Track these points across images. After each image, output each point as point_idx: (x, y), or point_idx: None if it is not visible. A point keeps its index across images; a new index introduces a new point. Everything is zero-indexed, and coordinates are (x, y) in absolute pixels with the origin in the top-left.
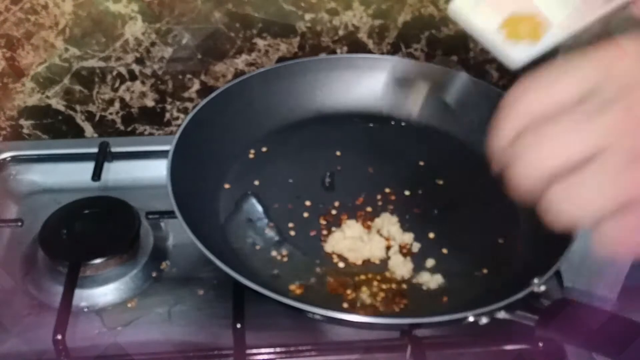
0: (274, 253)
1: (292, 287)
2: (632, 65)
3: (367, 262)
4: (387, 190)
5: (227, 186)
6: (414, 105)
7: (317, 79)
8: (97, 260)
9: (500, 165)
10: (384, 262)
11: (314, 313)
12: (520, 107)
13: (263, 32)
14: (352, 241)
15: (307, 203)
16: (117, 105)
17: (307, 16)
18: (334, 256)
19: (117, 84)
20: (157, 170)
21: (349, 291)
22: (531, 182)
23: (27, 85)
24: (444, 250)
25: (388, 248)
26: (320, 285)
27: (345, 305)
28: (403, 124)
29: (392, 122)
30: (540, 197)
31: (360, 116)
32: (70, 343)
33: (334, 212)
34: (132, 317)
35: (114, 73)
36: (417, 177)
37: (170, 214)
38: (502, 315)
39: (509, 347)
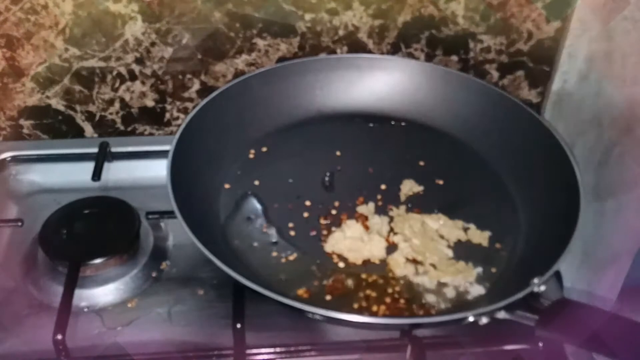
0: (274, 253)
1: (300, 291)
2: None
3: (367, 262)
4: (387, 190)
5: (227, 186)
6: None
7: (317, 79)
8: (97, 260)
9: None
10: (384, 262)
11: (313, 313)
12: None
13: (263, 32)
14: (352, 241)
15: (307, 203)
16: (117, 105)
17: (307, 16)
18: (334, 256)
19: (117, 84)
20: (157, 170)
21: (351, 293)
22: None
23: (27, 85)
24: (444, 250)
25: (388, 248)
26: (324, 288)
27: (348, 306)
28: (403, 124)
29: (392, 122)
30: None
31: (360, 116)
32: (70, 343)
33: (334, 212)
34: (132, 317)
35: (114, 73)
36: (417, 177)
37: (170, 214)
38: (502, 315)
39: (509, 347)
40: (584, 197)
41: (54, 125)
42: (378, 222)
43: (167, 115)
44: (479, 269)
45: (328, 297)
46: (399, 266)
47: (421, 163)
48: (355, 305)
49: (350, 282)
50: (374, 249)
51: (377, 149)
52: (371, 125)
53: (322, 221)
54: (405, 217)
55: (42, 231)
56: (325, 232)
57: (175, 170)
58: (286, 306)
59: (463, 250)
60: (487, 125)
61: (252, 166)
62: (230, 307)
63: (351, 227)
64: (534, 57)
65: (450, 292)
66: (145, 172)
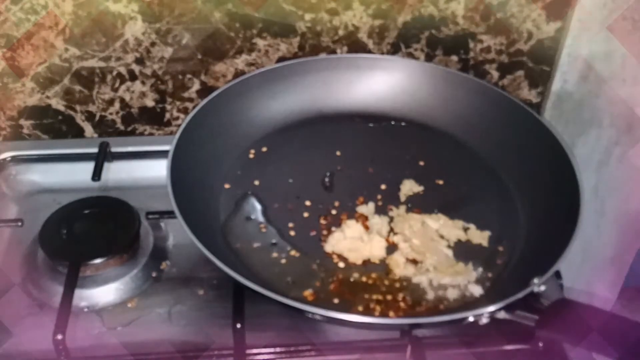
0: (274, 253)
1: (306, 293)
2: None
3: (367, 262)
4: (387, 190)
5: (227, 186)
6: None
7: (317, 79)
8: (97, 260)
9: None
10: (384, 262)
11: (313, 313)
12: None
13: (263, 32)
14: (352, 241)
15: (307, 203)
16: (117, 105)
17: (307, 16)
18: (334, 256)
19: (117, 84)
20: (157, 170)
21: (352, 294)
22: None
23: (27, 85)
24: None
25: (388, 248)
26: (325, 289)
27: (349, 307)
28: (403, 124)
29: (392, 122)
30: None
31: (360, 116)
32: (70, 343)
33: (334, 212)
34: (132, 317)
35: (114, 73)
36: (417, 177)
37: (170, 214)
38: (502, 315)
39: (509, 347)
40: (584, 197)
41: (54, 125)
42: (378, 222)
43: (167, 115)
44: (479, 269)
45: (328, 298)
46: (399, 266)
47: (421, 163)
48: (355, 306)
49: (350, 283)
50: (374, 249)
51: (377, 149)
52: (371, 125)
53: (322, 221)
54: (405, 217)
55: (42, 231)
56: (325, 232)
57: (175, 170)
58: (286, 306)
59: (463, 251)
60: (487, 125)
61: (252, 166)
62: (230, 307)
63: (351, 227)
64: (534, 57)
65: (450, 292)
66: (145, 172)
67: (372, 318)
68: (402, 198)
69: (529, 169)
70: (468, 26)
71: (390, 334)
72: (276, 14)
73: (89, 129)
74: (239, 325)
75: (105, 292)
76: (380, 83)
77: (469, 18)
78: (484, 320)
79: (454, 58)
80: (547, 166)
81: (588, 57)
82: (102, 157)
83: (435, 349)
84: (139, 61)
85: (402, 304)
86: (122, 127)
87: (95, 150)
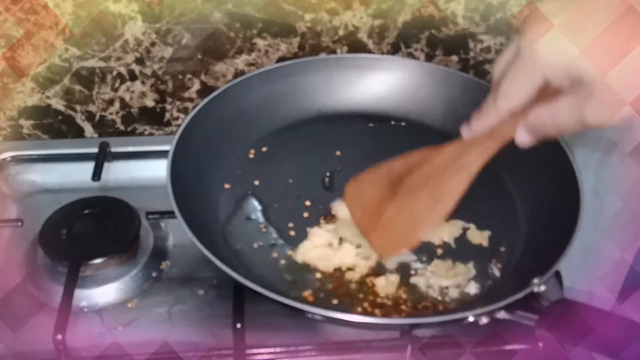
0: (274, 253)
1: (306, 293)
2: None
3: (338, 270)
4: None
5: (227, 186)
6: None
7: (317, 79)
8: (97, 260)
9: None
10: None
11: (314, 313)
12: None
13: (263, 32)
14: (321, 249)
15: (307, 203)
16: (117, 105)
17: (307, 16)
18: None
19: (117, 84)
20: (157, 170)
21: (352, 294)
22: None
23: (27, 85)
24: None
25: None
26: (329, 292)
27: (349, 307)
28: (403, 124)
29: (392, 122)
30: None
31: (360, 116)
32: (70, 343)
33: (333, 212)
34: (132, 317)
35: (114, 73)
36: None
37: (170, 214)
38: (502, 315)
39: (509, 347)
40: (584, 197)
41: (54, 125)
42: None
43: (167, 115)
44: (479, 269)
45: (328, 298)
46: (384, 286)
47: None
48: (355, 306)
49: (349, 284)
50: (344, 256)
51: (377, 149)
52: (371, 125)
53: (322, 221)
54: (348, 223)
55: (42, 231)
56: None
57: (175, 170)
58: (286, 306)
59: (463, 251)
60: None
61: (252, 166)
62: (230, 307)
63: (317, 235)
64: None
65: (450, 292)
66: (145, 172)
67: (372, 318)
68: None
69: (529, 169)
70: (468, 26)
71: (390, 334)
72: (276, 14)
73: (89, 129)
74: (239, 325)
75: (105, 292)
76: (380, 83)
77: (469, 18)
78: (484, 320)
79: (454, 58)
80: (547, 166)
81: None
82: (102, 157)
83: (435, 349)
84: (139, 61)
85: (401, 305)
86: (122, 127)
87: (95, 150)
